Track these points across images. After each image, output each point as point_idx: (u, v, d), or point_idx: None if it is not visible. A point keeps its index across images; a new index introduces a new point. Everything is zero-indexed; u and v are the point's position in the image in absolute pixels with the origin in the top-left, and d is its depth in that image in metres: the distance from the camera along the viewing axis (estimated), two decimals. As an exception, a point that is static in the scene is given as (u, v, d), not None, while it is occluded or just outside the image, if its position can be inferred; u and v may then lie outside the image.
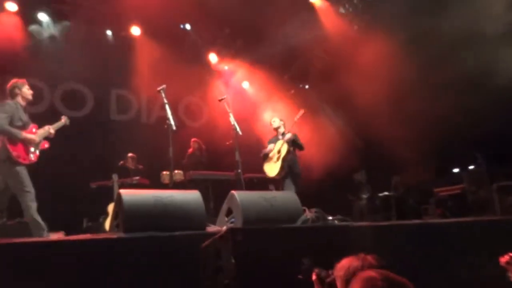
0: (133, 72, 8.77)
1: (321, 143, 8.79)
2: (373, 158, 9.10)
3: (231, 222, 4.19)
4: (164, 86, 5.50)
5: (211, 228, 4.19)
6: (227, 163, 7.39)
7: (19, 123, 5.03)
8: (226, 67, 10.20)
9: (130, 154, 8.15)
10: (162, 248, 3.37)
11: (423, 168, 8.21)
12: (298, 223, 4.07)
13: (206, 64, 9.99)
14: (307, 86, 10.94)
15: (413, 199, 7.86)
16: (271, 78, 9.63)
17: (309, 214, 4.15)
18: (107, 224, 6.58)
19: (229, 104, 6.18)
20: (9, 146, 4.85)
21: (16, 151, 4.88)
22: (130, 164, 8.07)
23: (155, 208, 3.73)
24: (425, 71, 7.46)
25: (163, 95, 5.46)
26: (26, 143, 5.01)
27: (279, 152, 6.92)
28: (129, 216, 3.63)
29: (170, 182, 5.82)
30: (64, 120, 5.53)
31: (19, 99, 5.13)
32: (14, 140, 4.93)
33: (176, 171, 7.85)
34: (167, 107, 5.39)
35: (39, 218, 4.75)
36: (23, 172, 4.85)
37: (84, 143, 8.15)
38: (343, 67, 8.48)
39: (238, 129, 5.99)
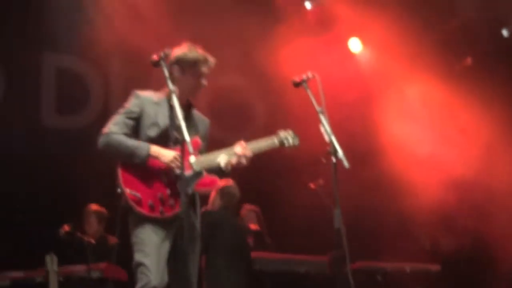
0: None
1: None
2: None
3: None
4: (168, 51, 5.58)
5: None
6: (312, 235, 7.68)
7: (153, 133, 5.57)
8: (308, 5, 10.99)
9: (93, 208, 8.53)
10: None
11: None
12: None
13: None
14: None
15: None
16: (410, 32, 10.11)
17: None
18: None
19: (319, 95, 6.02)
20: (122, 180, 5.41)
21: (133, 188, 5.40)
22: (91, 231, 8.38)
23: None
24: None
25: (165, 69, 5.44)
26: (161, 169, 5.46)
27: None
28: None
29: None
30: (291, 137, 6.03)
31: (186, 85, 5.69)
32: (129, 164, 5.45)
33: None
34: (174, 99, 5.31)
35: None
36: (147, 232, 5.36)
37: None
38: None
39: (340, 153, 5.72)
